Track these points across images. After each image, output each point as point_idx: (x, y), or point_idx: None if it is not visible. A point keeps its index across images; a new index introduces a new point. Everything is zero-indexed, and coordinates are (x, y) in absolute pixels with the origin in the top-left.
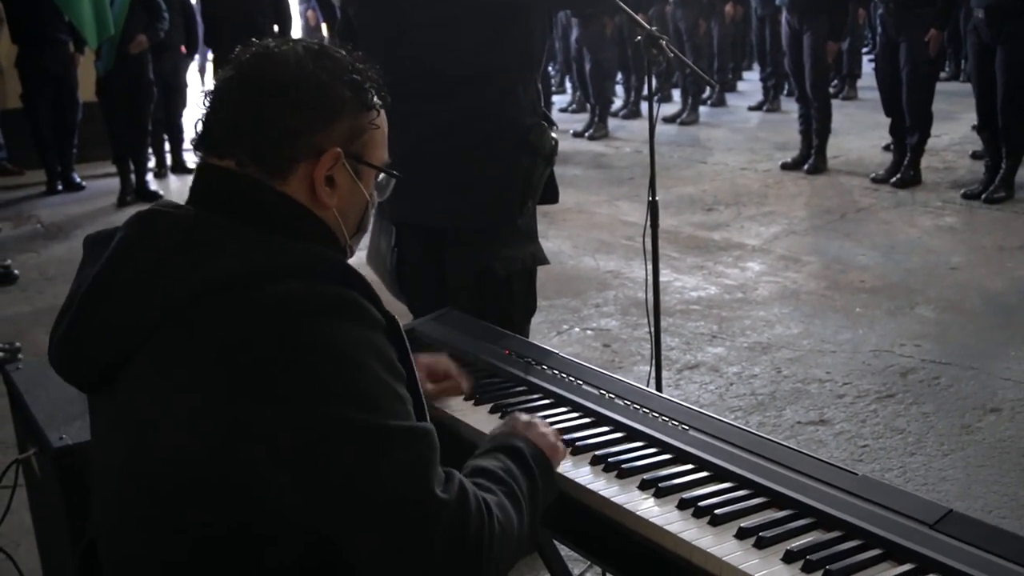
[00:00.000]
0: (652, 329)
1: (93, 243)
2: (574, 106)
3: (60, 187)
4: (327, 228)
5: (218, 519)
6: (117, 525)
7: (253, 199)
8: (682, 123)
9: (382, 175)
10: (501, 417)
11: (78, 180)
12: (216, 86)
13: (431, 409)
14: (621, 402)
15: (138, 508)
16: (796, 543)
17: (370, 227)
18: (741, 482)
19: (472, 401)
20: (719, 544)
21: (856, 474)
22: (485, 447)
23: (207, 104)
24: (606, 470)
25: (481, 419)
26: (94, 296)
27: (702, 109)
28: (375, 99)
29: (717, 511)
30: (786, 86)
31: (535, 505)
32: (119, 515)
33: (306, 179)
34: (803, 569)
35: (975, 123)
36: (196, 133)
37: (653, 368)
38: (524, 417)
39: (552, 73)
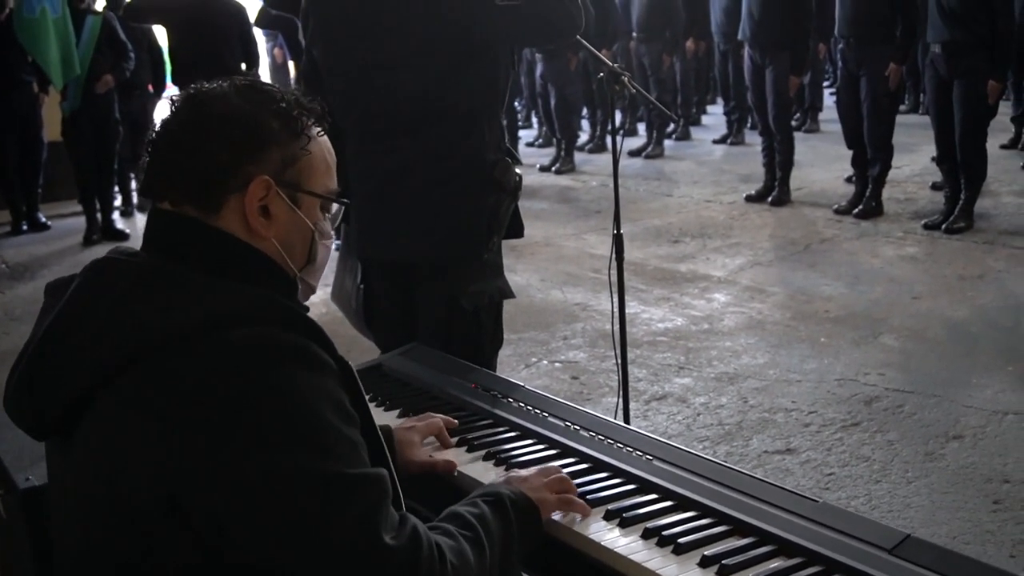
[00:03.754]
0: (619, 361)
1: (54, 289)
2: (540, 140)
3: (25, 227)
4: (270, 261)
5: (177, 561)
6: (79, 565)
7: (190, 240)
8: (647, 156)
9: (335, 206)
10: (468, 451)
11: (43, 220)
12: (152, 134)
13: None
14: (586, 433)
15: (100, 549)
16: (759, 570)
17: (321, 260)
18: (704, 511)
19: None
20: (683, 573)
21: (817, 501)
22: (471, 495)
23: (147, 152)
24: None
25: (449, 453)
26: (50, 341)
27: (667, 143)
28: (308, 127)
29: (680, 540)
30: (749, 119)
31: (507, 551)
32: (81, 556)
33: (238, 211)
34: None
35: (935, 155)
36: (139, 181)
37: (621, 399)
38: (525, 472)
39: (518, 108)
